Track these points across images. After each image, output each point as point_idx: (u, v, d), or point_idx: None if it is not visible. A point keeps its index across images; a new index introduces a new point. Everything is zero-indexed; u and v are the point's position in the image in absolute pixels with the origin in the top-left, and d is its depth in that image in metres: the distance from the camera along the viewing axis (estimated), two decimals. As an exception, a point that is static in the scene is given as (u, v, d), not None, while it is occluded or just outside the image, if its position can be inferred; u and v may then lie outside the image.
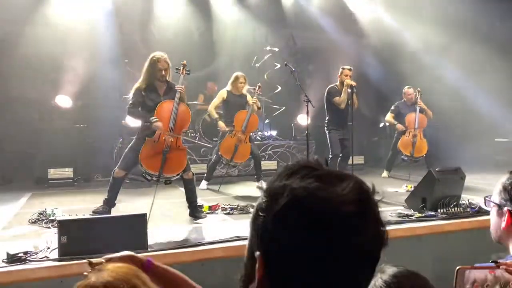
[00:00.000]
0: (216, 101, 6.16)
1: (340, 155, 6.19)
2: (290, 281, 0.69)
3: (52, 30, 8.40)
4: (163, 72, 4.27)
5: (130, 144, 4.42)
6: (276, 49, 8.86)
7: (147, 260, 1.12)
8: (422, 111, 6.97)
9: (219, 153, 5.97)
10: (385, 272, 1.15)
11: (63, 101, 7.25)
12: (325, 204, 0.68)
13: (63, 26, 8.51)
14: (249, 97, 6.16)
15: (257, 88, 6.23)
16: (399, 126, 6.93)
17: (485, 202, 1.57)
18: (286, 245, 0.68)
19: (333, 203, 0.68)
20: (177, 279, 1.15)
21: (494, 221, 1.52)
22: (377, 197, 0.74)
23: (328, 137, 6.25)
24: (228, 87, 6.23)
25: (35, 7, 7.92)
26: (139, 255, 1.15)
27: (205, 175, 6.33)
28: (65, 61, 8.16)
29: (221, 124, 5.99)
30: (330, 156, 6.16)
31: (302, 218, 0.68)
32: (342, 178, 0.71)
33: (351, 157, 6.20)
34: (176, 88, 4.33)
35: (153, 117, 4.19)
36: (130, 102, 4.25)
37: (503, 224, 1.46)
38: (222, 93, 6.18)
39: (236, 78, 6.16)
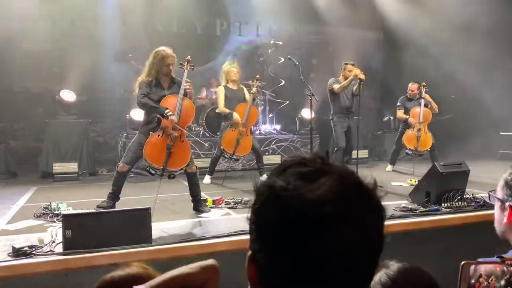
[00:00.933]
0: (221, 99, 6.13)
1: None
2: (279, 282, 0.67)
3: (56, 25, 8.42)
4: (171, 67, 4.27)
5: (134, 139, 4.43)
6: (280, 43, 8.83)
7: None
8: (426, 104, 6.92)
9: (221, 147, 5.99)
10: (389, 267, 1.14)
11: (68, 95, 7.26)
12: (298, 204, 0.65)
13: (67, 20, 8.52)
14: (245, 90, 6.19)
15: (255, 80, 6.22)
16: (411, 120, 6.86)
17: (489, 197, 1.57)
18: (267, 245, 0.68)
19: (307, 203, 0.64)
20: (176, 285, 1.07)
21: (498, 216, 1.52)
22: (377, 193, 0.69)
23: (333, 130, 6.26)
24: (224, 82, 6.26)
25: (40, 2, 7.91)
26: None
27: (208, 169, 6.36)
28: (69, 55, 8.18)
29: (235, 115, 5.97)
30: (336, 148, 6.16)
31: (277, 217, 0.66)
32: (324, 173, 0.67)
33: (355, 151, 6.19)
34: (184, 87, 4.27)
35: (168, 111, 4.15)
36: (140, 93, 4.20)
37: (505, 219, 1.46)
38: (221, 90, 6.21)
39: (228, 71, 6.22)
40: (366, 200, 0.68)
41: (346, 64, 6.18)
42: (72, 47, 8.26)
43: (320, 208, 0.64)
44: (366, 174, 0.73)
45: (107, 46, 8.38)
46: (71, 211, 4.23)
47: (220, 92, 6.19)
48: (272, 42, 8.88)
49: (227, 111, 6.06)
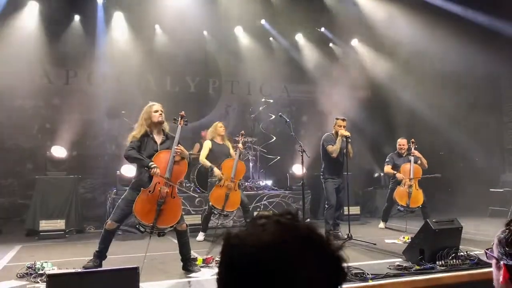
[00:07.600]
0: (205, 152, 6.22)
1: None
2: None
3: (50, 82, 8.58)
4: (159, 114, 4.29)
5: (124, 195, 4.36)
6: (271, 101, 9.05)
7: None
8: (416, 161, 6.99)
9: (210, 203, 5.93)
10: None
11: (59, 151, 7.23)
12: (242, 251, 0.71)
13: (63, 77, 8.70)
14: (230, 145, 6.26)
15: (240, 136, 6.29)
16: (399, 175, 6.90)
17: (486, 255, 1.56)
18: None
19: (249, 250, 0.70)
20: None
21: (495, 275, 1.50)
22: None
23: (324, 187, 6.24)
24: (210, 136, 6.35)
25: (35, 58, 8.09)
26: None
27: (201, 226, 6.27)
28: (62, 112, 8.27)
29: (216, 170, 5.99)
30: (327, 206, 6.12)
31: (226, 264, 0.73)
32: (274, 223, 0.72)
33: (346, 207, 6.15)
34: (174, 150, 4.25)
35: (151, 163, 4.13)
36: (129, 146, 4.21)
37: (501, 278, 1.44)
38: (208, 144, 6.27)
39: (215, 126, 6.36)
40: (314, 253, 0.71)
41: (337, 119, 6.31)
42: (65, 104, 8.37)
43: (260, 253, 0.68)
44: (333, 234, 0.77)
45: (100, 102, 8.50)
46: (55, 270, 4.08)
47: (206, 145, 6.26)
48: (263, 100, 9.10)
49: (208, 164, 6.09)
